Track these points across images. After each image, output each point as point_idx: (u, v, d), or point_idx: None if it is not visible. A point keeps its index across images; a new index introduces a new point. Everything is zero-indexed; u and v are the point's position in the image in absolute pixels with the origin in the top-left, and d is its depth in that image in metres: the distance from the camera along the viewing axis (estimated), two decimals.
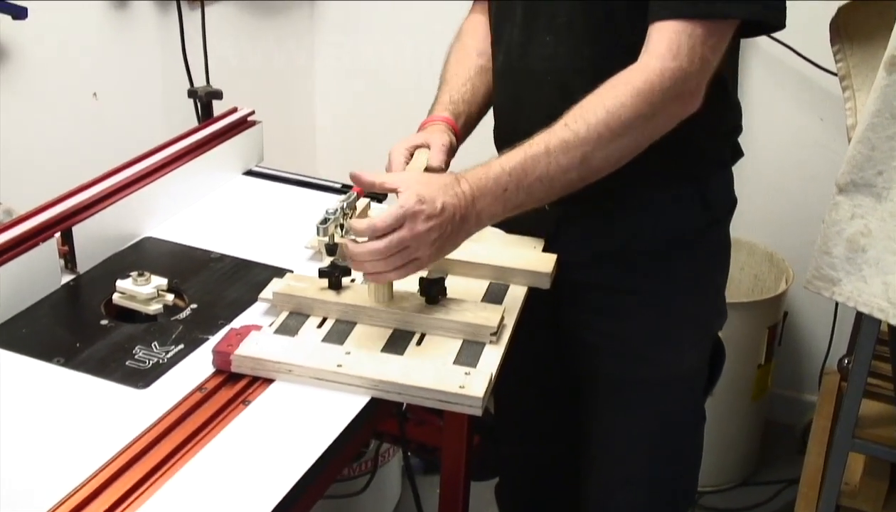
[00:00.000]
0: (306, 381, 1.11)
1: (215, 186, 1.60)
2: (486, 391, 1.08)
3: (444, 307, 1.21)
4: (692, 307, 1.38)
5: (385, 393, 1.09)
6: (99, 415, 1.06)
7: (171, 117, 2.13)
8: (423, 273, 1.24)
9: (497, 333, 1.18)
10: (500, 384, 1.17)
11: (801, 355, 2.54)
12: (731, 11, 1.16)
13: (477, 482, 1.64)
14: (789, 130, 2.33)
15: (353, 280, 1.24)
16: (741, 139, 1.41)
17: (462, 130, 1.38)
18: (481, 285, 1.31)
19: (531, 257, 1.34)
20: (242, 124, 1.66)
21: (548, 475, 1.65)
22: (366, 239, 1.13)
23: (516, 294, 1.29)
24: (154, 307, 1.26)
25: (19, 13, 1.69)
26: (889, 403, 1.83)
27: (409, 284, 1.20)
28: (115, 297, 1.27)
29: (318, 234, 1.29)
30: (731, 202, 1.41)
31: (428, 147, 1.31)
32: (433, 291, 1.21)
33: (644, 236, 1.33)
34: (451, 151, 1.34)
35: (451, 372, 1.11)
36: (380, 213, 1.12)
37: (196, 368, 1.14)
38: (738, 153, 1.39)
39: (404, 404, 1.24)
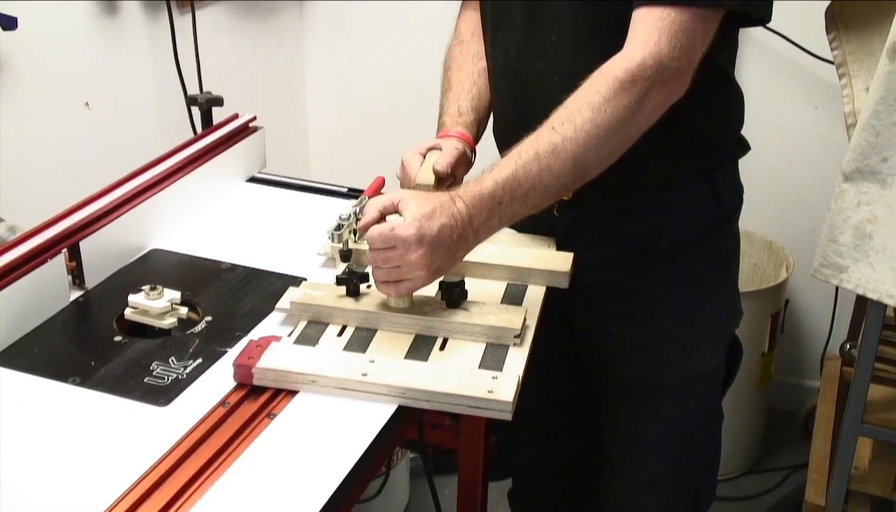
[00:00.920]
0: (331, 391, 1.09)
1: (220, 194, 1.58)
2: (514, 395, 1.07)
3: (466, 310, 1.20)
4: (708, 306, 1.38)
5: (412, 400, 1.08)
6: (120, 435, 1.04)
7: (164, 124, 2.10)
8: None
9: (520, 334, 1.17)
10: None
11: (801, 342, 2.55)
12: (712, 1, 1.14)
13: (490, 482, 1.63)
14: (784, 119, 2.34)
15: (369, 286, 1.22)
16: None
17: (475, 139, 1.37)
18: (499, 287, 1.30)
19: (548, 257, 1.33)
20: (245, 131, 1.64)
21: (562, 479, 1.64)
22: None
23: (535, 294, 1.28)
24: (168, 321, 1.24)
25: (9, 24, 1.66)
26: (895, 386, 1.84)
27: (428, 289, 1.18)
28: (128, 312, 1.25)
29: (331, 240, 1.28)
30: (740, 197, 1.40)
31: (440, 149, 1.30)
32: (454, 295, 1.20)
33: (658, 237, 1.32)
34: (466, 163, 1.33)
35: (477, 376, 1.10)
36: (374, 226, 1.11)
37: (217, 382, 1.12)
38: (745, 146, 1.39)
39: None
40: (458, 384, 1.08)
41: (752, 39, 2.27)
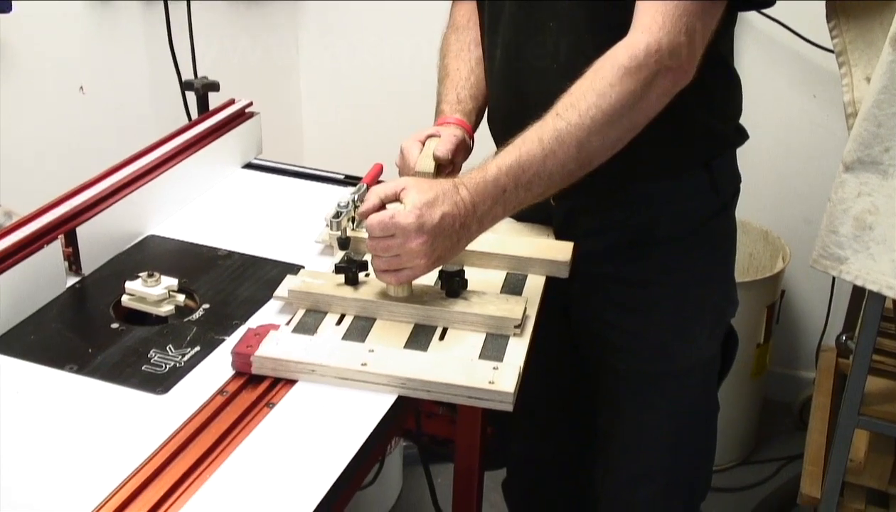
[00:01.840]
0: (330, 381, 1.08)
1: (216, 181, 1.56)
2: (516, 386, 1.06)
3: (466, 300, 1.19)
4: (706, 296, 1.37)
5: (412, 391, 1.07)
6: (118, 423, 1.03)
7: (159, 109, 2.09)
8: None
9: (521, 324, 1.16)
10: None
11: (796, 333, 2.55)
12: None
13: (487, 471, 1.63)
14: (782, 107, 2.33)
15: (367, 274, 1.21)
16: None
17: (474, 127, 1.36)
18: (498, 276, 1.29)
19: (548, 246, 1.32)
20: (241, 116, 1.62)
21: (557, 470, 1.64)
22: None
23: (535, 284, 1.28)
24: (165, 309, 1.23)
25: (3, 7, 1.65)
26: (892, 379, 1.84)
27: (428, 278, 1.17)
28: (125, 299, 1.24)
29: (330, 228, 1.27)
30: (737, 186, 1.39)
31: (438, 136, 1.29)
32: (453, 284, 1.19)
33: (655, 226, 1.31)
34: (465, 150, 1.32)
35: (478, 367, 1.09)
36: (373, 214, 1.10)
37: (215, 370, 1.11)
38: (743, 135, 1.38)
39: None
40: (459, 375, 1.07)
41: (750, 27, 2.26)
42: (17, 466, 0.97)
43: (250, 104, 1.65)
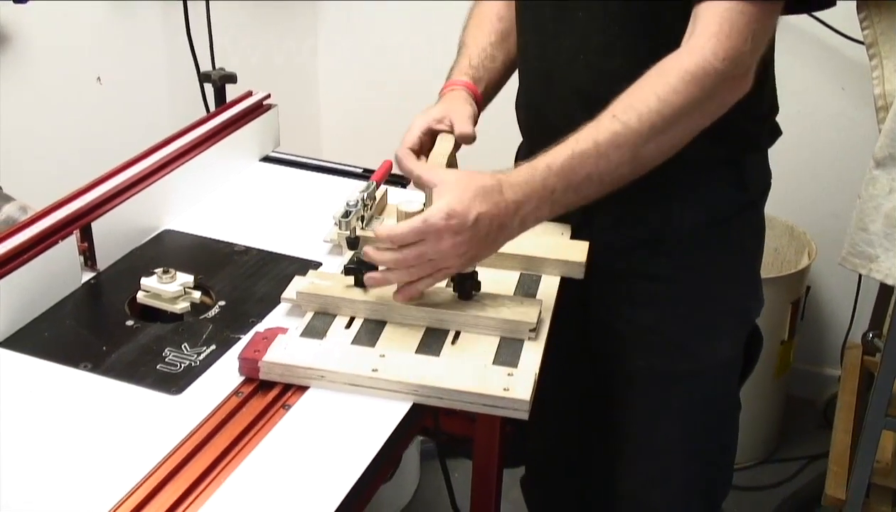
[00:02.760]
0: (340, 387, 1.06)
1: (233, 174, 1.54)
2: (531, 393, 1.03)
3: (479, 303, 1.15)
4: (729, 295, 1.34)
5: (424, 398, 1.04)
6: (133, 424, 1.01)
7: (177, 100, 2.07)
8: None
9: (536, 328, 1.13)
10: None
11: (821, 330, 2.51)
12: None
13: (506, 469, 1.61)
14: (810, 100, 2.28)
15: None
16: None
17: (483, 97, 1.33)
18: (511, 277, 1.26)
19: (562, 246, 1.29)
20: (258, 109, 1.60)
21: (575, 469, 1.61)
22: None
23: (550, 285, 1.25)
24: (181, 306, 1.21)
25: None
26: None
27: None
28: (140, 295, 1.22)
29: (338, 227, 1.23)
30: (767, 183, 1.36)
31: (450, 128, 1.25)
32: (466, 286, 1.16)
33: (679, 222, 1.28)
34: (475, 118, 1.28)
35: (492, 373, 1.06)
36: (402, 222, 1.07)
37: (230, 370, 1.09)
38: (776, 133, 1.34)
39: None
40: (473, 382, 1.04)
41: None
42: (31, 466, 0.95)
43: (268, 96, 1.63)
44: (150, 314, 1.22)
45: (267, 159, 1.63)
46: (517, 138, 1.42)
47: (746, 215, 1.33)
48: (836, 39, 2.18)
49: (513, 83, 1.39)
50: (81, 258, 1.26)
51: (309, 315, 1.17)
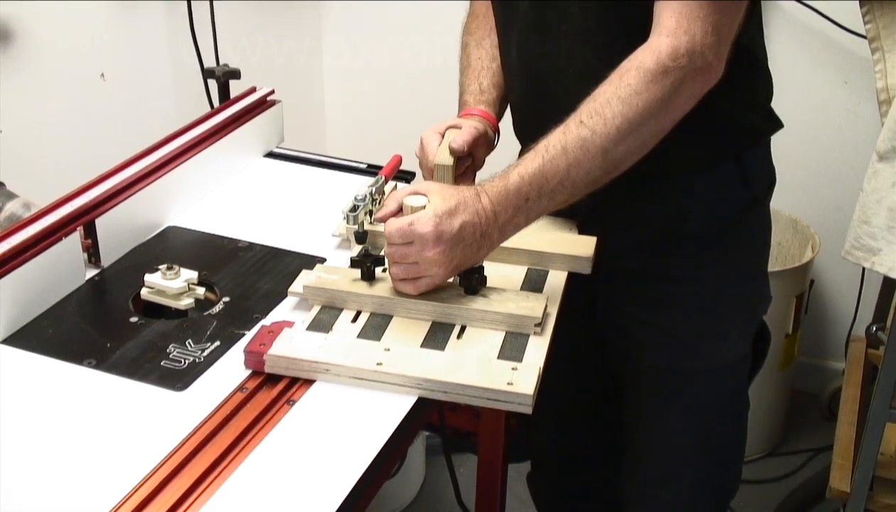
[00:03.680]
0: (345, 381, 1.06)
1: (237, 170, 1.54)
2: (535, 388, 1.03)
3: (485, 297, 1.16)
4: (737, 293, 1.33)
5: (428, 391, 1.05)
6: (137, 420, 1.02)
7: (181, 96, 2.07)
8: None
9: (541, 323, 1.13)
10: None
11: (825, 323, 2.51)
12: None
13: (511, 463, 1.61)
14: (812, 93, 2.28)
15: (384, 270, 1.18)
16: None
17: (497, 117, 1.33)
18: (519, 272, 1.26)
19: (570, 241, 1.29)
20: (263, 104, 1.60)
21: (581, 465, 1.62)
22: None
23: (557, 280, 1.25)
24: (185, 302, 1.21)
25: None
26: None
27: None
28: (144, 292, 1.22)
29: (346, 221, 1.24)
30: (771, 179, 1.35)
31: (459, 128, 1.26)
32: (472, 281, 1.16)
33: (684, 220, 1.27)
34: (487, 143, 1.29)
35: (497, 368, 1.06)
36: (392, 220, 1.09)
37: (234, 366, 1.09)
38: (775, 122, 1.34)
39: None
40: (477, 376, 1.04)
41: (780, 11, 2.21)
42: (36, 463, 0.96)
43: (272, 92, 1.63)
44: (154, 311, 1.22)
45: (271, 155, 1.63)
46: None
47: (752, 212, 1.32)
48: (838, 34, 2.18)
49: None
50: (85, 255, 1.26)
51: (315, 309, 1.17)
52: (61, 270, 1.21)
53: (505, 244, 1.24)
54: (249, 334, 1.14)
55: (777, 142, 1.34)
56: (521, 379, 1.04)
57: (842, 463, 1.88)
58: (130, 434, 0.99)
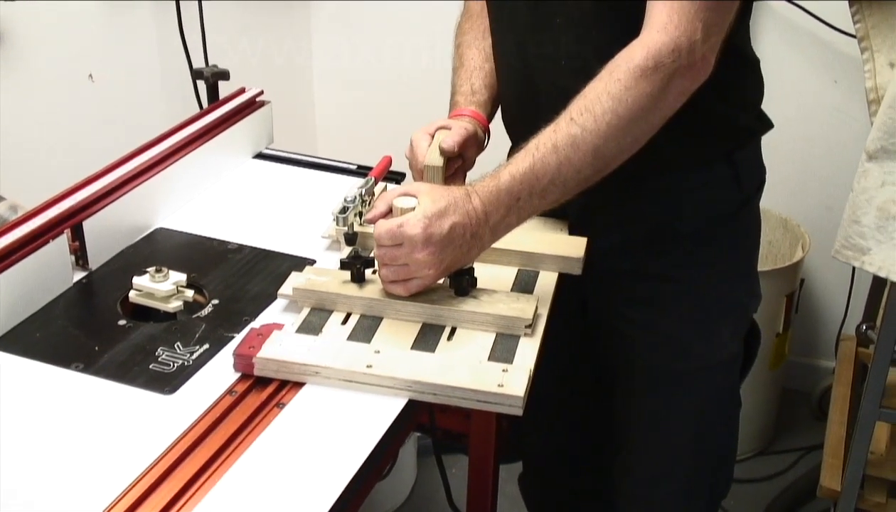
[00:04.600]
0: (335, 383, 1.05)
1: (226, 171, 1.54)
2: (525, 390, 1.03)
3: (475, 299, 1.15)
4: (728, 292, 1.33)
5: (419, 394, 1.04)
6: (125, 424, 1.01)
7: (170, 97, 2.06)
8: None
9: (532, 324, 1.13)
10: None
11: (815, 322, 2.52)
12: None
13: (502, 464, 1.61)
14: (802, 93, 2.28)
15: (374, 271, 1.18)
16: None
17: (489, 118, 1.33)
18: (509, 273, 1.26)
19: (561, 241, 1.29)
20: (252, 105, 1.59)
21: (572, 466, 1.61)
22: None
23: (547, 281, 1.24)
24: (174, 305, 1.20)
25: None
26: None
27: None
28: (132, 294, 1.22)
29: (336, 223, 1.24)
30: (761, 178, 1.36)
31: (448, 129, 1.26)
32: (462, 282, 1.16)
33: (675, 220, 1.27)
34: (477, 144, 1.28)
35: (487, 370, 1.06)
36: (381, 221, 1.09)
37: (223, 369, 1.09)
38: (765, 122, 1.34)
39: None
40: (467, 378, 1.04)
41: (769, 11, 2.21)
42: (23, 467, 0.95)
43: (261, 93, 1.63)
44: (143, 313, 1.21)
45: (260, 156, 1.62)
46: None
47: (743, 212, 1.33)
48: (828, 33, 2.18)
49: None
50: (73, 257, 1.25)
51: (305, 311, 1.17)
52: (49, 273, 1.21)
53: (495, 245, 1.23)
54: (237, 339, 1.13)
55: (767, 141, 1.34)
56: (512, 381, 1.03)
57: (832, 462, 1.88)
58: (119, 438, 0.99)
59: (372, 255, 1.17)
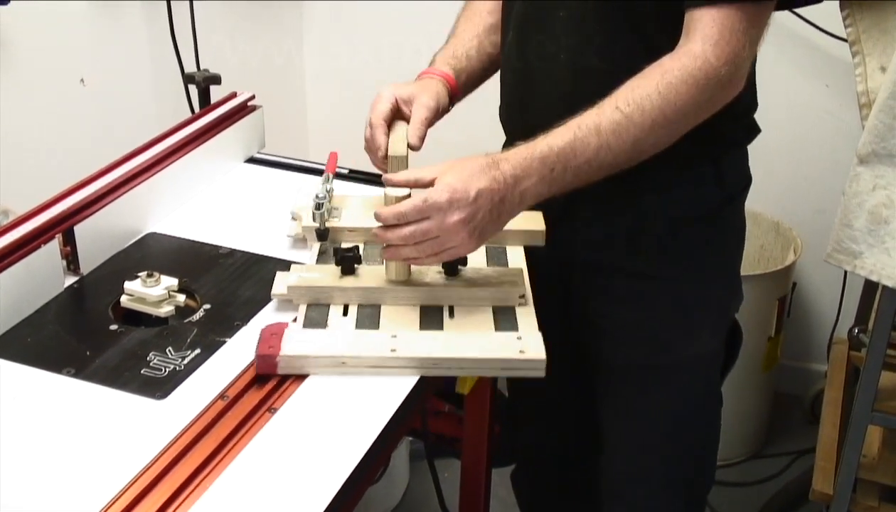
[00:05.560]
0: (362, 371, 1.07)
1: (218, 176, 1.54)
2: (544, 351, 1.08)
3: (465, 277, 1.20)
4: (708, 290, 1.34)
5: (445, 369, 1.09)
6: (116, 429, 1.01)
7: (161, 102, 2.06)
8: None
9: (524, 295, 1.18)
10: None
11: (808, 325, 2.52)
12: None
13: (494, 468, 1.61)
14: (793, 97, 2.29)
15: (359, 263, 1.21)
16: None
17: (463, 87, 1.34)
18: (478, 252, 1.27)
19: (519, 217, 1.30)
20: (243, 110, 1.59)
21: (564, 462, 1.62)
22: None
23: (517, 255, 1.29)
24: (165, 309, 1.20)
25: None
26: None
27: None
28: (124, 299, 1.21)
29: (313, 220, 1.27)
30: (746, 179, 1.37)
31: (407, 120, 1.26)
32: (454, 262, 1.19)
33: (655, 218, 1.29)
34: (439, 112, 1.29)
35: (503, 339, 1.11)
36: (406, 200, 1.09)
37: (215, 373, 1.08)
38: (754, 131, 1.35)
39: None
40: (489, 348, 1.09)
41: None
42: (13, 472, 0.94)
43: (252, 97, 1.63)
44: (134, 318, 1.21)
45: (252, 160, 1.62)
46: (501, 137, 1.42)
47: (725, 211, 1.34)
48: (819, 37, 2.19)
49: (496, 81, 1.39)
50: (64, 262, 1.25)
51: (303, 308, 1.17)
52: (40, 278, 1.20)
53: None
54: (235, 339, 1.14)
55: (759, 145, 1.35)
56: (530, 346, 1.10)
57: (824, 465, 1.89)
58: (110, 443, 0.98)
59: (350, 246, 1.20)
